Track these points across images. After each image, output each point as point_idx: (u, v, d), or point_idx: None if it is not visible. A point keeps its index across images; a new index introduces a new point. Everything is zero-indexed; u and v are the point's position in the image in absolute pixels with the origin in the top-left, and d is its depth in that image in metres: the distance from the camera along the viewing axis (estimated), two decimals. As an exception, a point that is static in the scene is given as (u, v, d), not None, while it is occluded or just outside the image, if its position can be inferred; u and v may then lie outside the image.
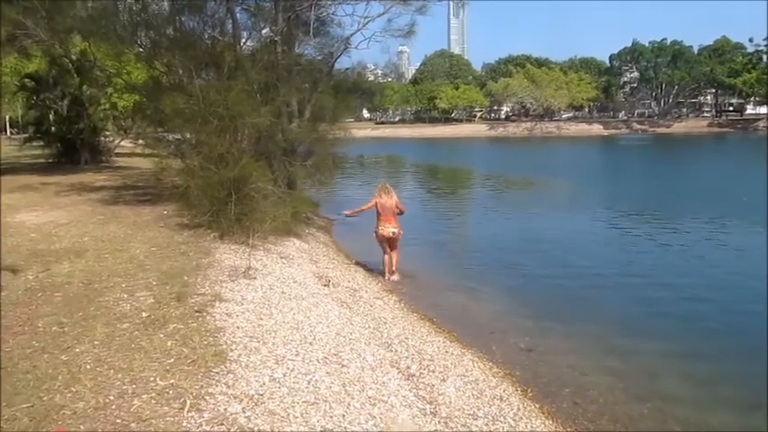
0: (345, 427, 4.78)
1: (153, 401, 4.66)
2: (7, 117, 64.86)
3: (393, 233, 11.78)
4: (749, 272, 12.25)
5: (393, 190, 12.17)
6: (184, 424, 4.36)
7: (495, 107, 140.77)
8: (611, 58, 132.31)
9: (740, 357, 8.01)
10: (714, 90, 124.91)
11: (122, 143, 31.56)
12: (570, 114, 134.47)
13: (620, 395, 6.89)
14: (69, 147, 27.16)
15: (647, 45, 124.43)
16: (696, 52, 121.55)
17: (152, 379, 5.04)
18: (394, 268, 11.94)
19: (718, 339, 8.68)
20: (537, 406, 6.47)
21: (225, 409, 4.65)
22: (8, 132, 66.81)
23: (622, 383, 7.15)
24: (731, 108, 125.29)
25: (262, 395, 5.01)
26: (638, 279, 11.95)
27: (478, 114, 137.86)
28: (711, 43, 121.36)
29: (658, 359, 7.97)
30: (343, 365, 6.11)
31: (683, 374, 7.52)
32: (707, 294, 10.86)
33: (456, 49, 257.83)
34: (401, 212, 12.07)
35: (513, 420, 5.89)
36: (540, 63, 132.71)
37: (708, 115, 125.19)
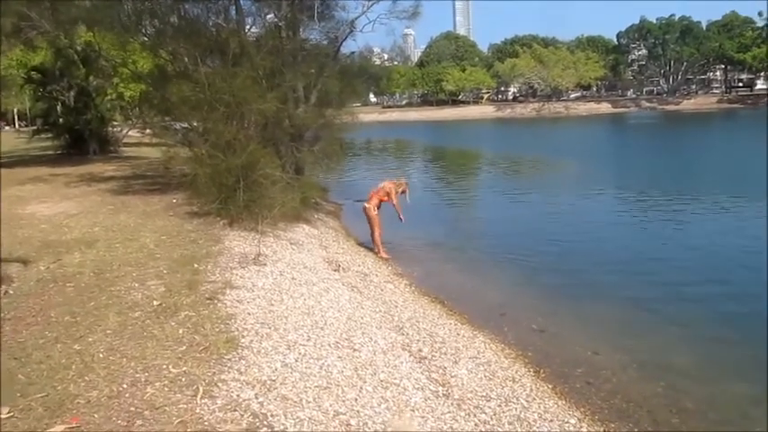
0: (358, 411, 4.79)
1: (166, 389, 4.68)
2: (15, 110, 65.20)
3: (364, 207, 12.55)
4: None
5: (398, 188, 12.73)
6: (198, 411, 4.38)
7: (503, 88, 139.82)
8: (618, 35, 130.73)
9: (753, 336, 7.96)
10: (723, 66, 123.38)
11: (130, 133, 31.58)
12: (578, 94, 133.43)
13: (634, 374, 6.88)
14: (77, 138, 27.25)
15: (654, 22, 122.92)
16: (705, 28, 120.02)
17: (164, 367, 5.06)
18: (376, 245, 12.45)
19: (730, 318, 8.63)
20: (550, 386, 6.47)
21: (238, 396, 4.66)
22: (17, 125, 67.15)
23: (635, 363, 7.13)
24: (741, 84, 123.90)
25: (274, 381, 5.02)
26: (649, 259, 11.89)
27: (486, 96, 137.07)
28: (720, 18, 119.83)
29: (671, 338, 7.94)
30: (354, 350, 6.12)
31: (696, 354, 7.50)
32: (719, 275, 10.80)
33: (461, 31, 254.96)
34: (378, 203, 12.57)
35: (526, 401, 5.89)
36: (547, 43, 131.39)
37: (717, 91, 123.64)
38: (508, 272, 11.18)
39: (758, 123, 60.07)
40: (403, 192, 12.91)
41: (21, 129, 56.76)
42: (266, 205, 11.15)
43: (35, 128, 31.21)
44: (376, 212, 12.43)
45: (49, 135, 28.14)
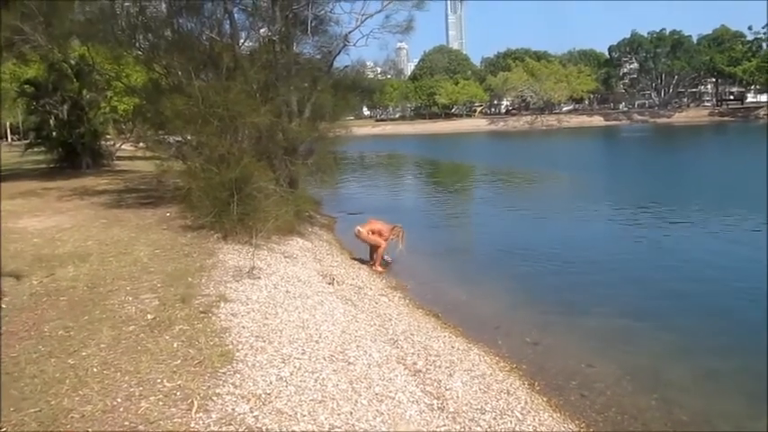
0: (353, 425, 4.78)
1: (160, 403, 4.66)
2: (8, 124, 64.96)
3: (357, 231, 12.53)
4: (756, 263, 12.21)
5: (392, 233, 12.53)
6: (192, 425, 4.36)
7: (495, 101, 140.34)
8: (610, 49, 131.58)
9: (745, 348, 8.00)
10: (714, 79, 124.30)
11: (123, 147, 31.57)
12: (570, 107, 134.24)
13: (628, 386, 6.88)
14: (70, 151, 27.12)
15: (645, 36, 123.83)
16: (695, 42, 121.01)
17: (159, 381, 5.05)
18: (374, 259, 12.43)
19: (724, 331, 8.66)
20: (544, 399, 6.47)
21: (233, 410, 4.65)
22: (9, 139, 66.87)
23: (629, 375, 7.13)
24: (732, 97, 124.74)
25: (269, 394, 5.01)
26: (643, 272, 11.93)
27: (478, 109, 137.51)
28: (710, 32, 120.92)
29: (665, 351, 7.96)
30: (349, 363, 6.11)
31: (690, 366, 7.51)
32: (714, 288, 10.80)
33: (455, 45, 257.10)
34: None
35: (521, 414, 5.89)
36: (539, 56, 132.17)
37: (708, 104, 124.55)
38: (502, 284, 11.18)
39: (749, 137, 60.52)
40: (396, 236, 12.55)
41: (13, 142, 56.55)
42: (260, 218, 11.16)
43: (28, 141, 31.09)
44: (369, 234, 12.38)
45: (42, 149, 28.03)
